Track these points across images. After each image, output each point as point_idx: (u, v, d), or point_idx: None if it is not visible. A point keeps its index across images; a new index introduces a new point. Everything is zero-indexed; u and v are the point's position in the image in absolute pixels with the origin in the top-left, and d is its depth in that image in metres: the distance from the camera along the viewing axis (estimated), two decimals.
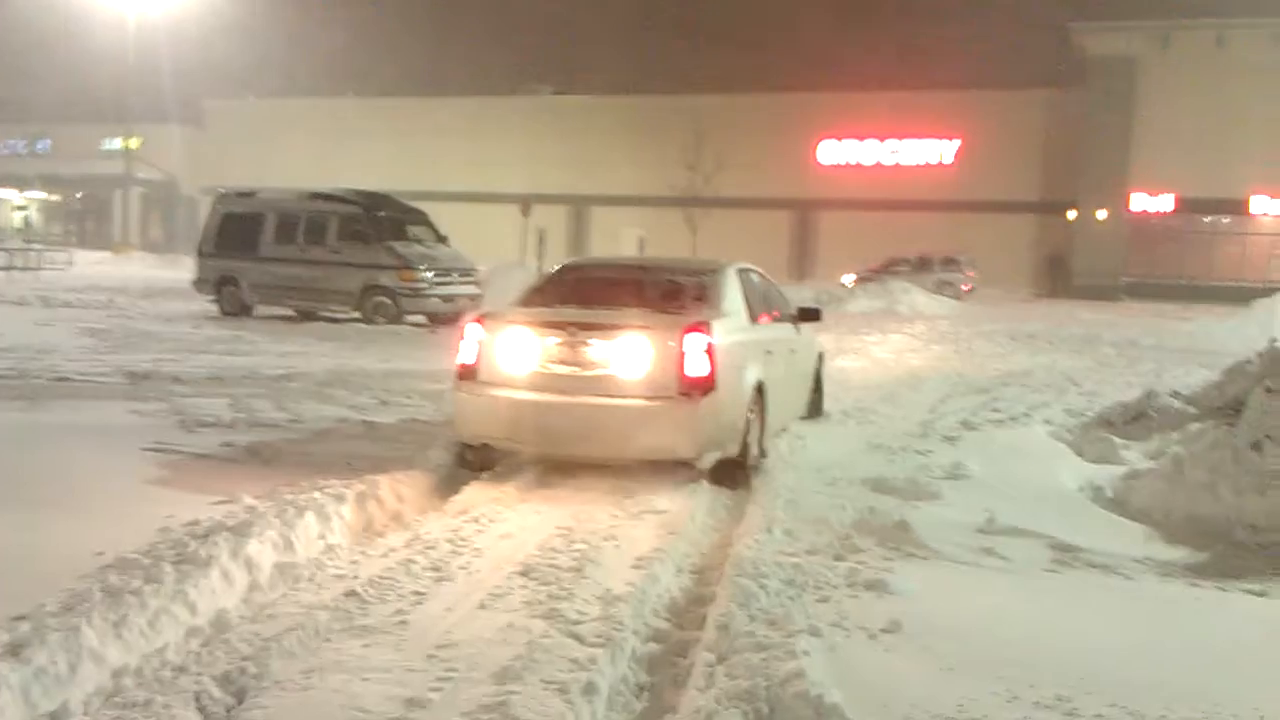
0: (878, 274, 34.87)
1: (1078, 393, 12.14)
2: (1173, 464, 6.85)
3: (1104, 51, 42.48)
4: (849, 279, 35.62)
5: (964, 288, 34.89)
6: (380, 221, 19.45)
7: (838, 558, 5.17)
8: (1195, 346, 18.67)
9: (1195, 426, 7.62)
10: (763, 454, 7.47)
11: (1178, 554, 5.76)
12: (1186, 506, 6.42)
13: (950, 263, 36.59)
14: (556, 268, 8.56)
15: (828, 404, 10.04)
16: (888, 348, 18.09)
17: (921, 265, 36.17)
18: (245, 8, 48.68)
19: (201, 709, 3.43)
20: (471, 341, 6.91)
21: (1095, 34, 42.70)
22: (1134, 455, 8.04)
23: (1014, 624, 4.44)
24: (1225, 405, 8.15)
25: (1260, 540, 5.93)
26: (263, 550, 4.76)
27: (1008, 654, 4.03)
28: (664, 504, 6.18)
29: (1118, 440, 8.48)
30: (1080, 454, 8.29)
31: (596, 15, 57.26)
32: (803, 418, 9.29)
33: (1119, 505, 6.78)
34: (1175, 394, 9.39)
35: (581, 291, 7.56)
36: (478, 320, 7.03)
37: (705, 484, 6.67)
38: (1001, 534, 5.85)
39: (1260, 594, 5.05)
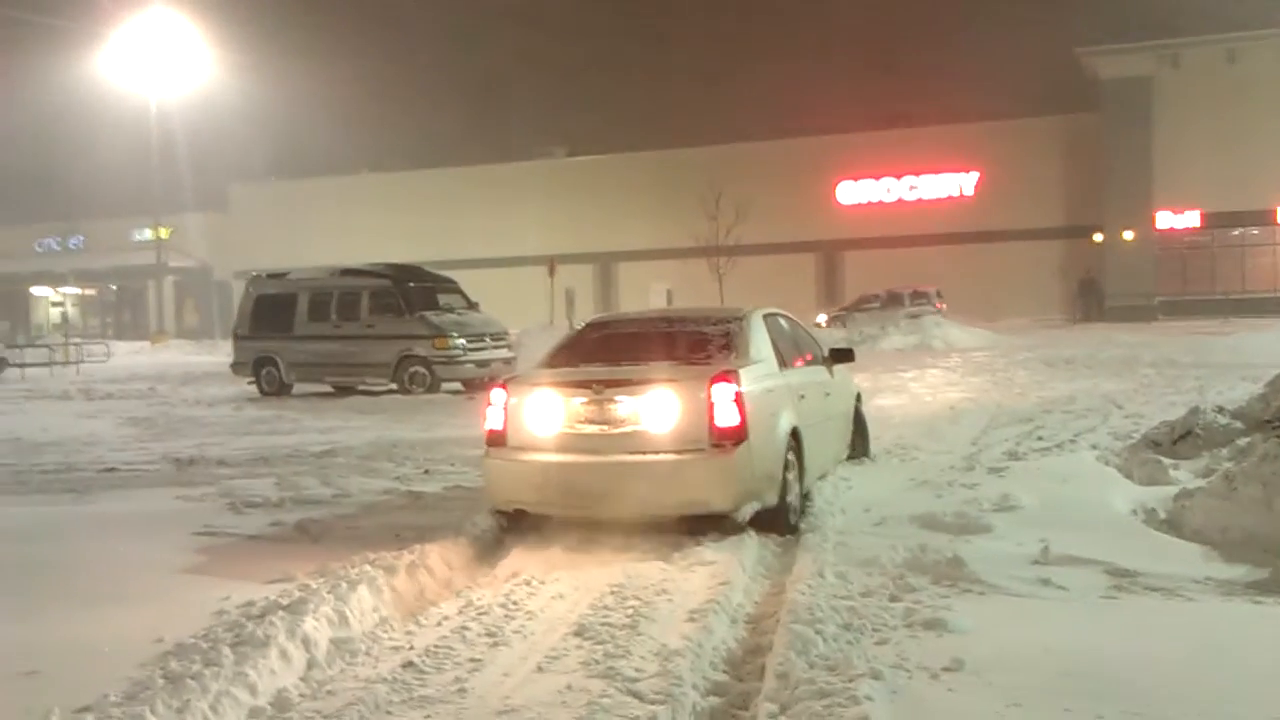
0: (849, 311, 35.55)
1: (1122, 415, 12.02)
2: (1224, 481, 6.76)
3: (1116, 74, 42.51)
4: (822, 318, 36.77)
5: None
6: (411, 292, 19.68)
7: (893, 598, 5.13)
8: (1236, 360, 18.46)
9: (1244, 441, 7.53)
10: (806, 499, 7.43)
11: (1238, 572, 5.66)
12: (1242, 523, 6.32)
13: (919, 296, 37.28)
14: (580, 326, 8.59)
15: (871, 444, 9.98)
16: (925, 383, 18.01)
17: (891, 300, 36.95)
18: (262, 92, 49.59)
19: None
20: (498, 407, 6.92)
21: (1106, 57, 42.74)
22: (1184, 475, 7.94)
23: (1077, 653, 4.37)
24: (1273, 417, 8.06)
25: None
26: (318, 627, 4.78)
27: (1072, 684, 3.97)
28: (712, 555, 6.13)
29: (1166, 461, 8.37)
30: (1129, 477, 8.20)
31: (605, 74, 57.96)
32: (846, 459, 9.24)
33: (1173, 527, 6.68)
34: (1220, 409, 9.27)
35: (606, 349, 7.56)
36: (502, 385, 7.04)
37: (751, 533, 6.63)
38: (1057, 563, 5.77)
39: None
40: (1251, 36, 40.22)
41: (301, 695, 4.25)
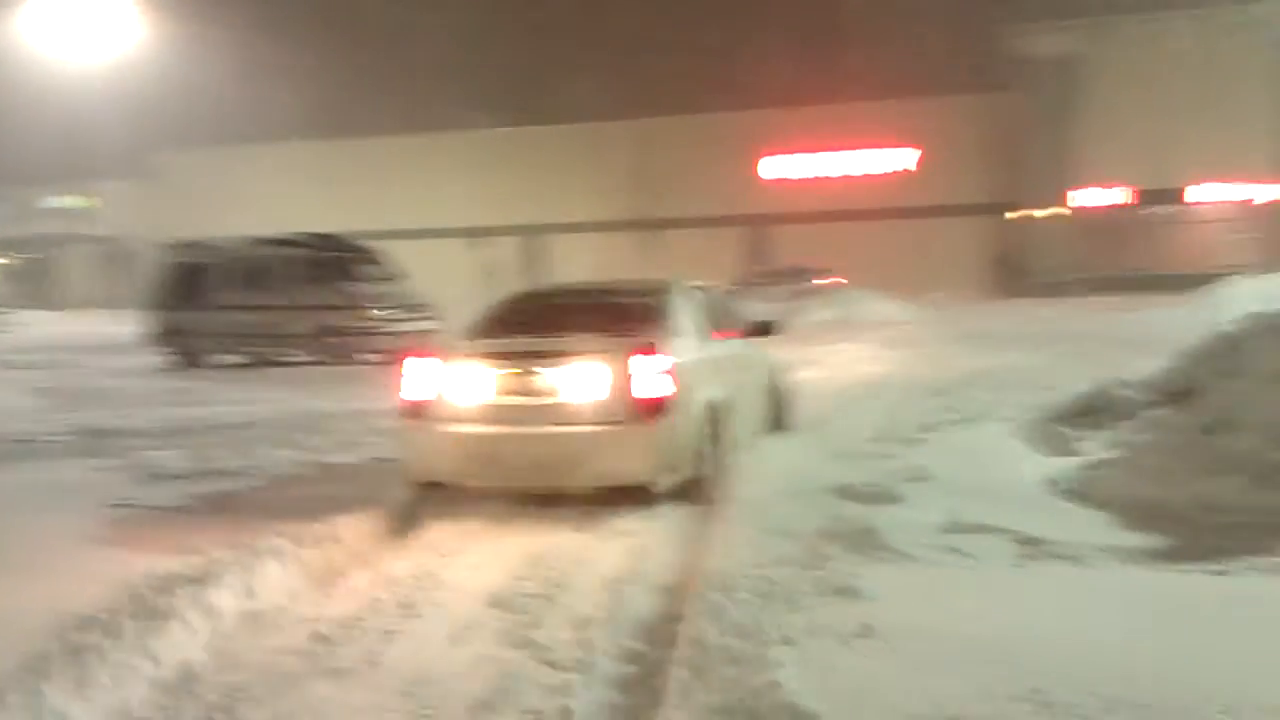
0: (746, 285, 36.19)
1: (1034, 389, 12.23)
2: (1130, 452, 6.94)
3: (1040, 52, 43.13)
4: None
5: None
6: (329, 263, 19.34)
7: (806, 566, 5.18)
8: (1148, 336, 18.86)
9: (1149, 414, 7.72)
10: (725, 470, 7.46)
11: (1140, 540, 5.81)
12: (1145, 492, 6.50)
13: (819, 271, 38.14)
14: (502, 297, 8.52)
15: (791, 416, 10.05)
16: (847, 356, 18.18)
17: (780, 276, 37.57)
18: (192, 57, 48.26)
19: None
20: (415, 377, 6.82)
21: (1029, 35, 43.33)
22: (1091, 446, 8.12)
23: (983, 620, 4.46)
24: (1177, 391, 8.27)
25: (1218, 521, 6.01)
26: (225, 599, 4.70)
27: (979, 650, 4.05)
28: (630, 526, 6.15)
29: (1073, 433, 8.58)
30: (1038, 448, 8.38)
31: (534, 47, 57.28)
32: (768, 432, 9.30)
33: (1080, 496, 6.83)
34: (1126, 383, 9.50)
35: (528, 320, 7.48)
36: (419, 354, 6.94)
37: (670, 504, 6.64)
38: (966, 532, 5.88)
39: (1221, 573, 5.11)
40: (1179, 15, 41.05)
41: (207, 667, 4.18)
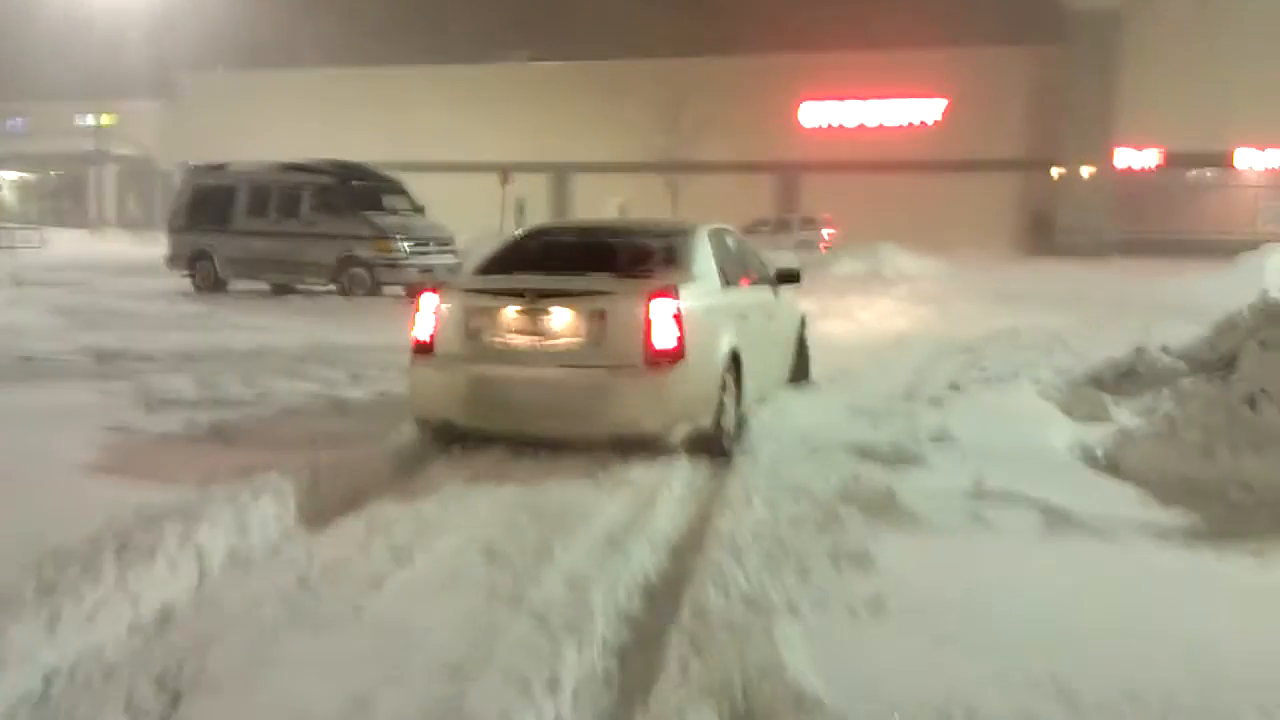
0: (750, 233, 35.86)
1: (1066, 351, 11.90)
2: (1166, 423, 6.64)
3: (1088, 6, 42.09)
4: None
5: (821, 246, 35.86)
6: (355, 192, 19.11)
7: (820, 529, 4.94)
8: (1184, 302, 18.44)
9: (1187, 383, 7.40)
10: (742, 423, 7.22)
11: (1173, 517, 5.54)
12: (1181, 467, 6.21)
13: (809, 222, 38.41)
14: (519, 232, 8.24)
15: (813, 369, 9.79)
16: (873, 310, 17.87)
17: (781, 226, 37.85)
18: None
19: (132, 715, 3.19)
20: (427, 313, 6.57)
21: None
22: (1124, 413, 7.83)
23: (1003, 596, 4.23)
24: (1217, 361, 7.96)
25: (1256, 500, 5.73)
26: (214, 536, 4.51)
27: (997, 629, 3.82)
28: (639, 477, 5.91)
29: (1107, 397, 8.27)
30: (1069, 413, 8.07)
31: None
32: (787, 384, 9.05)
33: (1111, 467, 6.55)
34: (1165, 349, 9.17)
35: (545, 257, 7.19)
36: (432, 290, 6.69)
37: (683, 456, 6.41)
38: (990, 499, 5.62)
39: (1256, 555, 4.84)
40: None
41: (187, 610, 4.00)
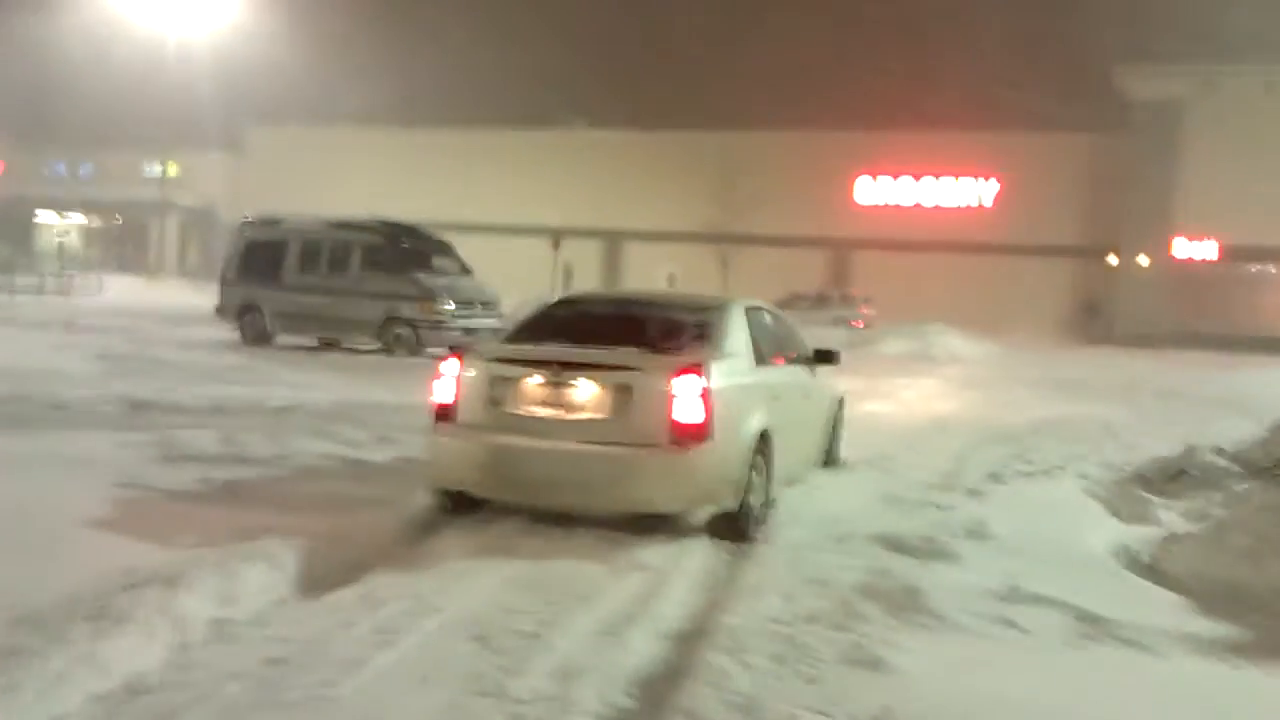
0: (786, 308, 35.38)
1: (1115, 445, 11.49)
2: (1215, 528, 6.30)
3: (1149, 96, 41.82)
4: None
5: (857, 324, 35.05)
6: (404, 251, 19.23)
7: (836, 627, 4.66)
8: (1240, 397, 17.94)
9: (1240, 487, 7.05)
10: (770, 505, 6.95)
11: (1217, 629, 5.19)
12: (1227, 575, 5.86)
13: (847, 299, 37.55)
14: (551, 301, 8.09)
15: (849, 451, 9.49)
16: (917, 392, 17.53)
17: (819, 301, 36.88)
18: (287, 36, 48.87)
19: None
20: (448, 379, 6.42)
21: (1140, 78, 42.00)
22: (1172, 516, 7.45)
23: (1026, 710, 3.92)
24: (1273, 465, 7.60)
25: None
26: (196, 604, 4.32)
27: None
28: (653, 559, 5.65)
29: (1156, 500, 7.90)
30: (1115, 513, 7.71)
31: (632, 49, 57.07)
32: (821, 467, 8.77)
33: (1154, 572, 6.21)
34: (1218, 450, 8.78)
35: (574, 328, 6.98)
36: (456, 356, 6.54)
37: (704, 537, 6.16)
38: (1022, 602, 5.30)
39: None
40: None
41: (159, 682, 3.79)
